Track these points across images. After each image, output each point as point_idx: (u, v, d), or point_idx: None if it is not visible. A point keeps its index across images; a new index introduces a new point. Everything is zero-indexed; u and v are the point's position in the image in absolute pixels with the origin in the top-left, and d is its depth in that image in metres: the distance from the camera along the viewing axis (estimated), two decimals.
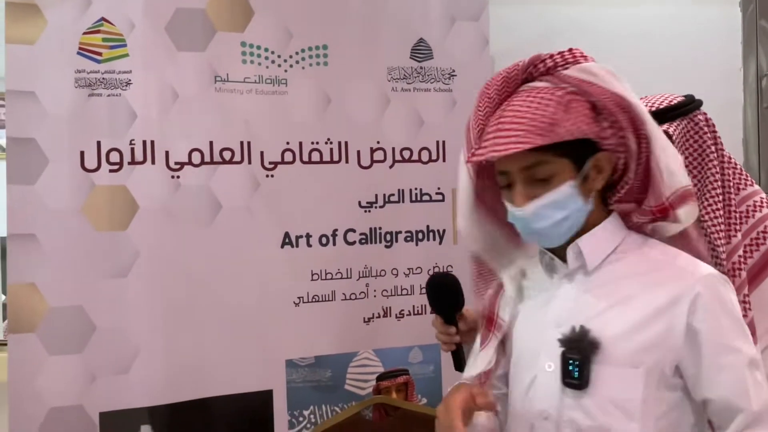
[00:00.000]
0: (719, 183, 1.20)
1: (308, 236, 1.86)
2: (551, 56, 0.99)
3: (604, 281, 1.01)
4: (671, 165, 0.99)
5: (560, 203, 0.96)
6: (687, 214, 1.01)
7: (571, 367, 0.97)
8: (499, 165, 0.99)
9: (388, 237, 1.91)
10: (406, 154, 1.93)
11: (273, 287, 1.81)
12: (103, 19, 1.66)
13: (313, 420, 1.87)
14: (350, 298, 1.89)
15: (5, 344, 1.61)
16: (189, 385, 1.71)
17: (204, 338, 1.72)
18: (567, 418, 0.99)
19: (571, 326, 0.98)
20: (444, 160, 1.93)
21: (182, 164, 1.72)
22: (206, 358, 1.72)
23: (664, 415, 0.97)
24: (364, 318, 1.90)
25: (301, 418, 1.86)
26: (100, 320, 1.63)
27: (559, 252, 1.03)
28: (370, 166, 1.90)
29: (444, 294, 1.29)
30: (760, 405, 0.95)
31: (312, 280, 1.86)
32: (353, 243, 1.88)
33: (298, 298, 1.84)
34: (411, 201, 1.93)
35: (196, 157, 1.73)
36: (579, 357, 0.97)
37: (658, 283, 0.98)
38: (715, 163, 1.20)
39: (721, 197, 1.20)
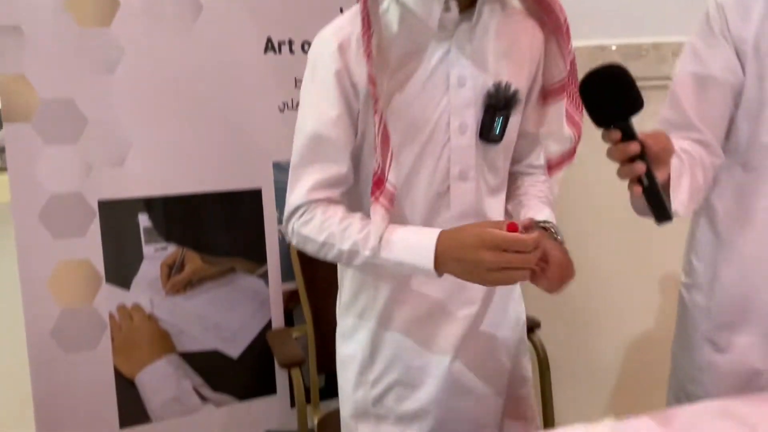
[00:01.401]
0: None
1: (290, 42, 1.88)
2: None
3: (486, 35, 1.01)
4: None
5: None
6: None
7: (495, 124, 1.01)
8: None
9: None
10: None
11: (257, 92, 1.84)
12: None
13: None
14: None
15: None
16: (182, 180, 1.79)
17: (192, 136, 1.78)
18: (481, 170, 1.05)
19: (493, 83, 1.00)
20: None
21: None
22: (196, 155, 1.79)
23: None
24: None
25: None
26: (91, 113, 1.65)
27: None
28: None
29: (619, 92, 0.89)
30: None
31: (296, 87, 1.91)
32: None
33: (283, 103, 1.89)
34: None
35: None
36: (505, 112, 1.00)
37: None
38: None
39: None
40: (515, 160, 1.13)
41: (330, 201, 1.00)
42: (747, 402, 0.96)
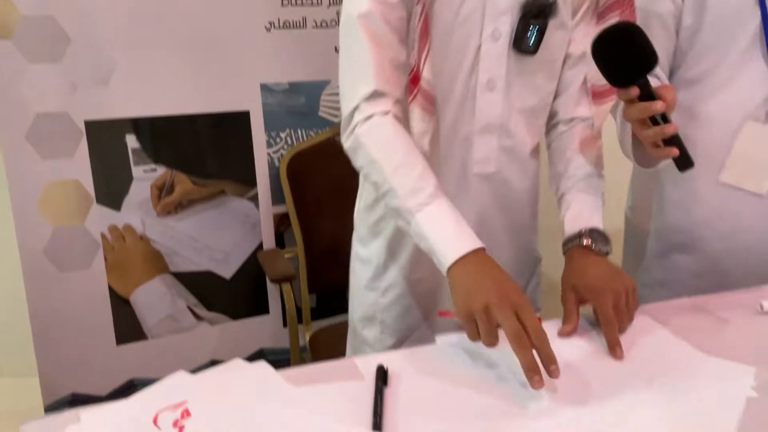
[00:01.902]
0: None
1: None
2: None
3: None
4: None
5: None
6: None
7: (530, 33, 0.95)
8: None
9: None
10: None
11: (243, 10, 1.80)
12: None
13: (289, 141, 1.97)
14: (321, 26, 1.91)
15: None
16: (168, 101, 1.77)
17: (177, 56, 1.75)
18: (514, 84, 0.99)
19: None
20: None
21: None
22: (182, 76, 1.76)
23: None
24: (335, 47, 1.94)
25: (278, 139, 1.96)
26: (73, 32, 1.62)
27: None
28: None
29: (634, 49, 0.87)
30: None
31: (282, 6, 1.86)
32: None
33: (269, 23, 1.85)
34: None
35: None
36: (540, 21, 0.95)
37: None
38: None
39: None
40: (561, 96, 1.05)
41: (396, 117, 0.92)
42: (714, 299, 0.99)
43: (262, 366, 0.82)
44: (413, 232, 0.87)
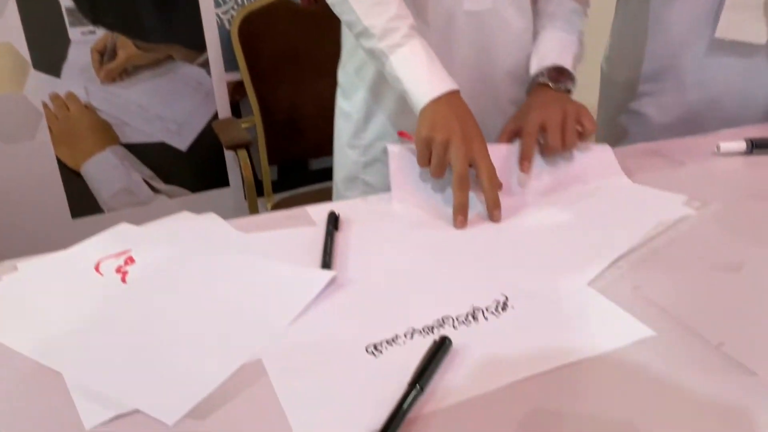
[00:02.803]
0: None
1: None
2: None
3: None
4: None
5: None
6: None
7: None
8: None
9: None
10: None
11: None
12: None
13: (239, 1, 1.85)
14: None
15: None
16: None
17: None
18: None
19: None
20: None
21: None
22: None
23: None
24: None
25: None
26: None
27: None
28: None
29: None
30: None
31: None
32: None
33: None
34: None
35: None
36: None
37: None
38: None
39: None
40: None
41: None
42: (674, 143, 0.98)
43: (211, 216, 0.79)
44: (388, 74, 0.84)
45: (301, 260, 0.67)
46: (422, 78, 0.80)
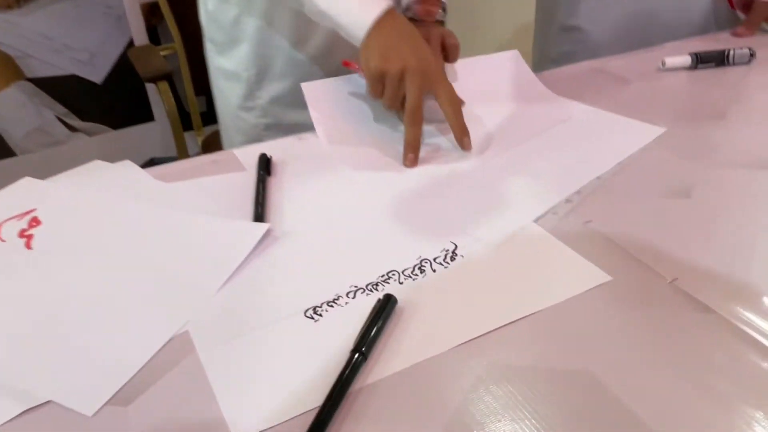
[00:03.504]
0: None
1: None
2: None
3: None
4: None
5: None
6: None
7: None
8: None
9: None
10: None
11: None
12: None
13: None
14: None
15: None
16: None
17: None
18: None
19: None
20: None
21: None
22: None
23: None
24: None
25: None
26: None
27: None
28: None
29: None
30: None
31: None
32: None
33: None
34: None
35: None
36: None
37: None
38: None
39: None
40: None
41: None
42: (618, 59, 0.94)
43: (126, 165, 0.71)
44: (310, 12, 0.75)
45: (230, 213, 0.61)
46: (352, 4, 0.72)
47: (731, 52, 0.90)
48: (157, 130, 1.86)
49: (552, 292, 0.49)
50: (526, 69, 0.85)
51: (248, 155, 0.71)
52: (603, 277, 0.50)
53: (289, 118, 0.91)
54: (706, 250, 0.54)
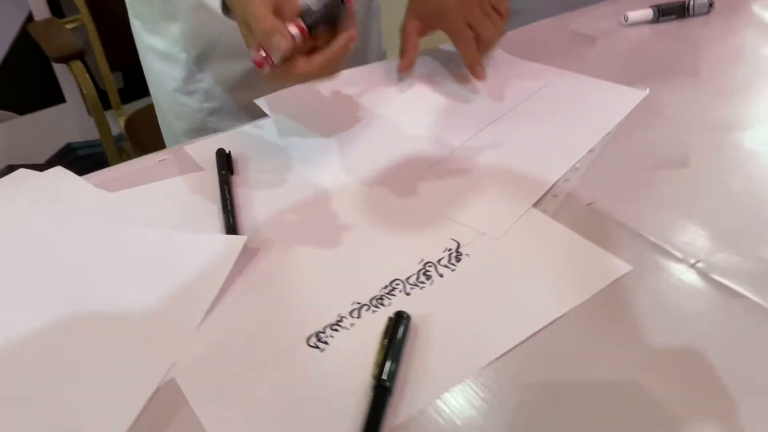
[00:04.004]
0: None
1: None
2: None
3: None
4: None
5: None
6: None
7: None
8: None
9: None
10: None
11: None
12: None
13: None
14: None
15: None
16: None
17: None
18: None
19: None
20: None
21: None
22: None
23: None
24: None
25: None
26: None
27: None
28: None
29: None
30: None
31: None
32: None
33: None
34: None
35: None
36: None
37: None
38: None
39: None
40: None
41: None
42: (580, 14, 0.91)
43: (58, 173, 0.61)
44: None
45: (194, 225, 0.53)
46: None
47: (691, 3, 0.87)
48: (70, 112, 1.70)
49: (575, 290, 0.45)
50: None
51: (201, 151, 0.63)
52: (623, 267, 0.47)
53: (237, 101, 0.82)
54: (716, 224, 0.51)
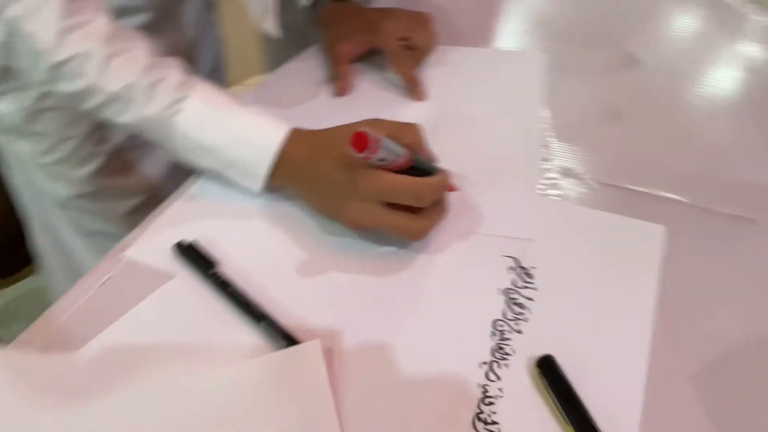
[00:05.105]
0: None
1: None
2: None
3: None
4: None
5: None
6: None
7: None
8: None
9: None
10: None
11: None
12: None
13: None
14: None
15: None
16: None
17: None
18: None
19: None
20: None
21: None
22: None
23: None
24: None
25: None
26: None
27: None
28: None
29: None
30: None
31: None
32: None
33: None
34: None
35: None
36: None
37: None
38: None
39: None
40: None
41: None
42: None
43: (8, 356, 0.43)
44: (170, 148, 0.52)
45: (224, 348, 0.42)
46: (252, 128, 0.51)
47: None
48: None
49: (646, 270, 0.47)
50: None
51: (148, 253, 0.49)
52: (658, 227, 0.51)
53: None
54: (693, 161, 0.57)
